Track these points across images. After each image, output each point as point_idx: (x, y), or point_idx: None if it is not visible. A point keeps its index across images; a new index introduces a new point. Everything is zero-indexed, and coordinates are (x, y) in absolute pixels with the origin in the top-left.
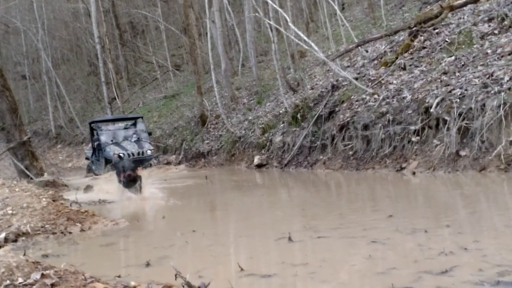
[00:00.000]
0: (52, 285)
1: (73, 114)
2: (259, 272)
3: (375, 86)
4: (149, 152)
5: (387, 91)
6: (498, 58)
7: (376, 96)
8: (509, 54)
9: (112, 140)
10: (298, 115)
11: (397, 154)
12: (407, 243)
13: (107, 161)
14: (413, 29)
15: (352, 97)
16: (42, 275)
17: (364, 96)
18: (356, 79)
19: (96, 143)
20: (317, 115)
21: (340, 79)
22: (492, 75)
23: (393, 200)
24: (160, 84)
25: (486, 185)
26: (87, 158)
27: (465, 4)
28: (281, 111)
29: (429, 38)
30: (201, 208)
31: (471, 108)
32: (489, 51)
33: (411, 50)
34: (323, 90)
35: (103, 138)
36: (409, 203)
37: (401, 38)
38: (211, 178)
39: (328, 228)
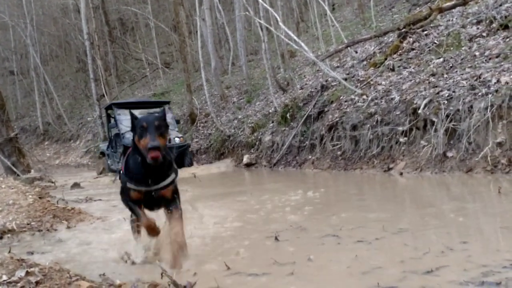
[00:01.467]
0: (37, 283)
1: (61, 111)
2: (245, 271)
3: (364, 86)
4: (177, 140)
5: (376, 92)
6: (486, 60)
7: (364, 96)
8: (496, 57)
9: None
10: (288, 115)
11: (384, 154)
12: (393, 243)
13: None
14: (402, 30)
15: (341, 97)
16: (27, 273)
17: (353, 96)
18: (345, 79)
19: (113, 133)
20: (306, 115)
21: (329, 79)
22: (479, 77)
23: (380, 200)
24: (149, 81)
25: (472, 186)
26: (101, 154)
27: (454, 7)
28: (270, 111)
29: (418, 39)
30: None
31: (458, 110)
32: (477, 53)
33: (400, 51)
34: (312, 90)
35: (123, 125)
36: (395, 204)
37: (390, 39)
38: (200, 177)
39: (315, 228)
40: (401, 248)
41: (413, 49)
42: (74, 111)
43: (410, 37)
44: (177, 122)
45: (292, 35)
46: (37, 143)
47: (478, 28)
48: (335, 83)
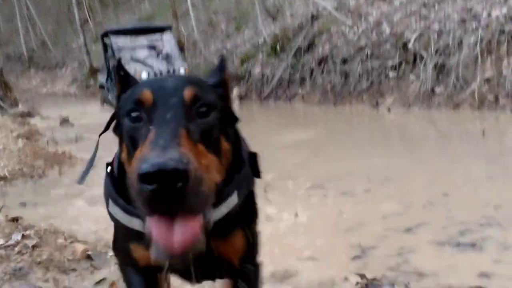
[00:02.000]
0: (33, 246)
1: (45, 37)
2: None
3: (355, 16)
4: (182, 70)
5: (367, 23)
6: None
7: (355, 28)
8: None
9: (132, 58)
10: (277, 46)
11: (374, 89)
12: (377, 196)
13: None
14: None
15: (332, 29)
16: (23, 236)
17: (343, 28)
18: (336, 9)
19: (111, 63)
20: (296, 47)
21: (319, 8)
22: (471, 10)
23: (368, 142)
24: (134, 5)
25: (458, 125)
26: (101, 87)
27: None
28: (260, 41)
29: None
30: None
31: (448, 45)
32: None
33: None
34: (302, 19)
35: (121, 55)
36: (383, 147)
37: None
38: None
39: (303, 178)
40: (384, 202)
41: None
42: (58, 37)
43: None
44: (181, 50)
45: None
46: (22, 71)
47: None
48: (325, 13)
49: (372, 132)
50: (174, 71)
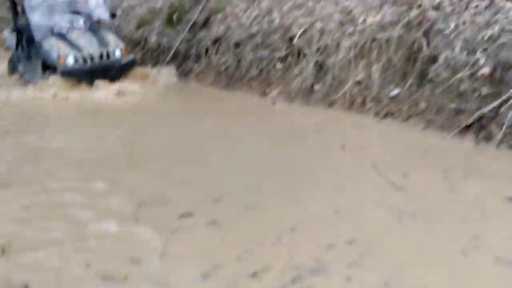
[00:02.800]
0: None
1: None
2: None
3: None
4: (117, 52)
5: (259, 9)
6: None
7: (248, 12)
8: None
9: (51, 31)
10: (174, 17)
11: (263, 77)
12: (235, 228)
13: (46, 65)
14: None
15: (227, 8)
16: None
17: (237, 11)
18: None
19: (23, 30)
20: (192, 20)
21: None
22: (350, 12)
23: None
24: None
25: (332, 123)
26: (7, 49)
27: None
28: (157, 6)
29: None
30: None
31: (327, 45)
32: None
33: None
34: None
35: (36, 21)
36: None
37: None
38: None
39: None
40: (239, 238)
41: None
42: None
43: None
44: (113, 15)
45: None
46: None
47: None
48: None
49: (253, 133)
50: (108, 55)
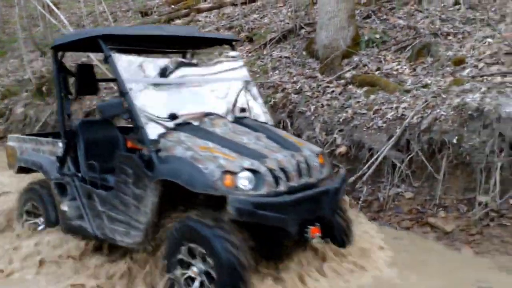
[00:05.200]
0: None
1: None
2: None
3: None
4: (315, 163)
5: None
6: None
7: None
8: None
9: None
10: (44, 88)
11: None
12: None
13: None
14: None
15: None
16: None
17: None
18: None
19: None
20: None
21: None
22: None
23: None
24: None
25: None
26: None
27: (210, 9)
28: (25, 77)
29: None
30: None
31: None
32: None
33: None
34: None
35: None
36: None
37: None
38: None
39: None
40: None
41: None
42: None
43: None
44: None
45: None
46: None
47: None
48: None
49: None
50: (308, 164)
